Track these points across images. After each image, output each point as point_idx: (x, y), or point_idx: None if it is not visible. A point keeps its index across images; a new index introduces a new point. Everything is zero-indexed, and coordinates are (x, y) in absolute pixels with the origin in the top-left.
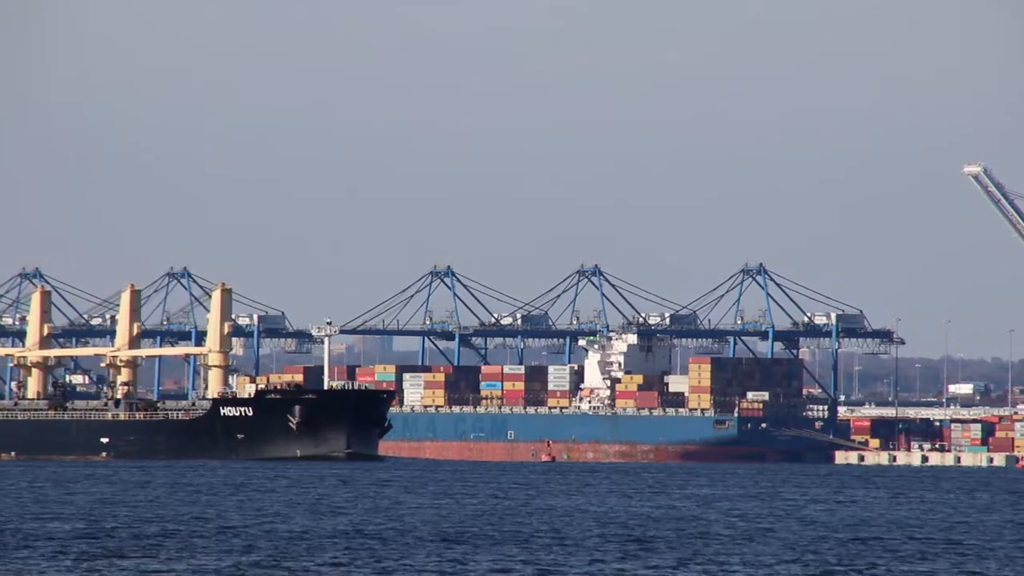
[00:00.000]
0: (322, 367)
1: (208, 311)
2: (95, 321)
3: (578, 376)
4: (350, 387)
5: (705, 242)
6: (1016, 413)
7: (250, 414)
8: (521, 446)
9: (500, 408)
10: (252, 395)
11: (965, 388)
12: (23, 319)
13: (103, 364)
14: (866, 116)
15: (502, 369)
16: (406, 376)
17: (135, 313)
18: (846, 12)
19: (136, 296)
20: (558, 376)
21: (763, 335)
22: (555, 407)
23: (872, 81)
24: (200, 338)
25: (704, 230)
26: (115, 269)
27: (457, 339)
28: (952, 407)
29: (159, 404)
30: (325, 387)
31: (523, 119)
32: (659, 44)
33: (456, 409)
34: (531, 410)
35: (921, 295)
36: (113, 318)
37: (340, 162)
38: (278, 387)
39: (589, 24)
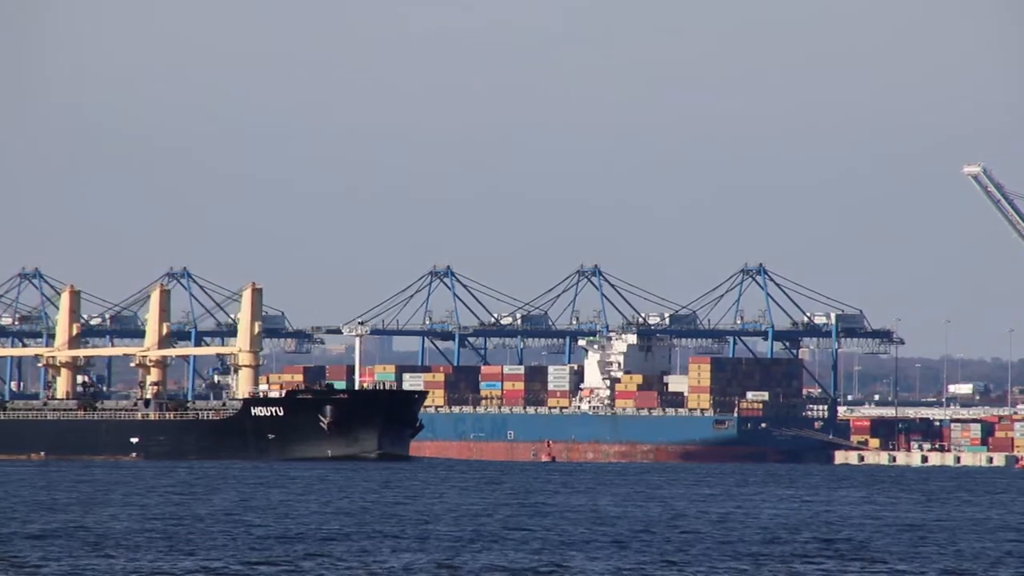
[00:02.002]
0: (323, 367)
1: (206, 311)
2: (95, 321)
3: (578, 376)
4: (382, 387)
5: (705, 242)
6: (1016, 413)
7: (281, 414)
8: (521, 446)
9: (500, 408)
10: (283, 395)
11: (965, 388)
12: (23, 319)
13: (132, 364)
14: (866, 116)
15: (502, 369)
16: (406, 376)
17: (164, 313)
18: (846, 12)
19: (166, 296)
20: (558, 376)
21: (763, 335)
22: (555, 407)
23: (872, 81)
24: (200, 339)
25: (704, 230)
26: (114, 269)
27: (457, 339)
28: (952, 407)
29: (189, 404)
30: (356, 387)
31: (523, 119)
32: (659, 44)
33: (456, 409)
34: (531, 410)
35: (921, 295)
36: (113, 318)
37: (340, 162)
38: (307, 386)
39: (589, 24)
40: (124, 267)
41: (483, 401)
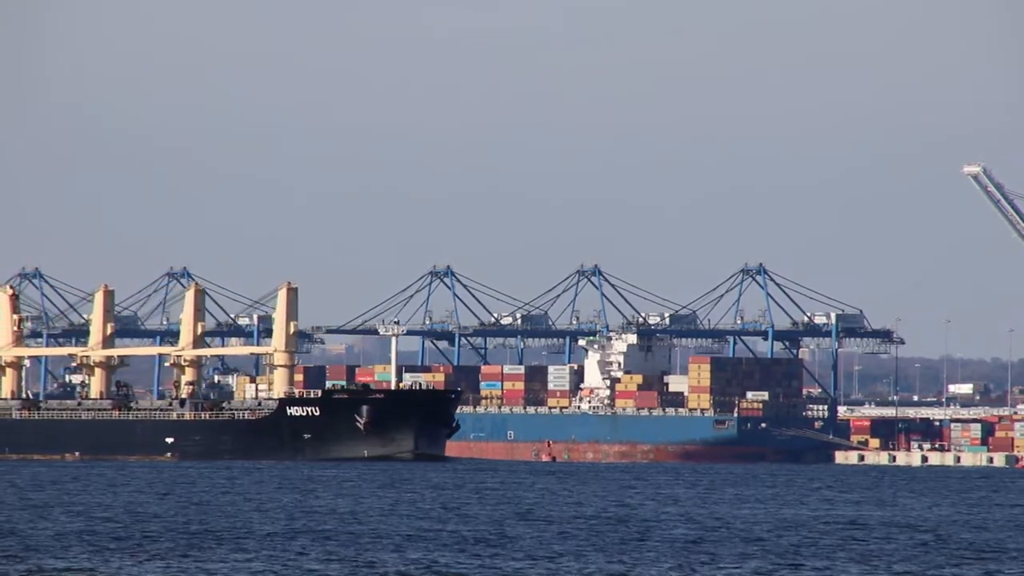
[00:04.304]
0: (323, 367)
1: (206, 311)
2: None
3: (578, 376)
4: (418, 386)
5: (705, 242)
6: (1016, 413)
7: (316, 414)
8: (521, 446)
9: (500, 408)
10: (319, 395)
11: (965, 388)
12: (23, 320)
13: (167, 363)
14: (866, 116)
15: (502, 369)
16: (406, 376)
17: (199, 312)
18: (846, 12)
19: (200, 296)
20: (558, 376)
21: (763, 335)
22: (555, 407)
23: (872, 80)
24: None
25: (704, 230)
26: (114, 269)
27: (457, 339)
28: (952, 407)
29: (224, 404)
30: (393, 387)
31: (523, 119)
32: (659, 44)
33: (456, 409)
34: (531, 410)
35: (921, 295)
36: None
37: (339, 161)
38: (343, 386)
39: (589, 24)
40: (124, 267)
41: (483, 401)
